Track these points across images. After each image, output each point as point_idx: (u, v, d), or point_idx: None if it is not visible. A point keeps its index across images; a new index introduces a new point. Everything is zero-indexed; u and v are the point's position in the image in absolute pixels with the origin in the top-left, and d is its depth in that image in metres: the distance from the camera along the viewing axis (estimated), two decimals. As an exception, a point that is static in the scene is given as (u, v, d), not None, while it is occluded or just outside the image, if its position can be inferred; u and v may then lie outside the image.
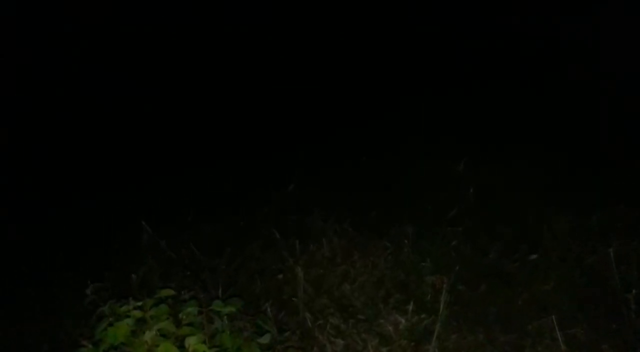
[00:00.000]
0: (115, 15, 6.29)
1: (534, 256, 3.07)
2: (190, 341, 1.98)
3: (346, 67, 6.06)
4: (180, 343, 2.07)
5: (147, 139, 5.05)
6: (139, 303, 2.09)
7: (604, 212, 3.36)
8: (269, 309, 2.73)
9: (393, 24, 6.65)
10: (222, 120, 5.34)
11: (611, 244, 2.96)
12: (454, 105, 5.11)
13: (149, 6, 6.29)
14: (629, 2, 5.55)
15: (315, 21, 6.62)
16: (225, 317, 2.25)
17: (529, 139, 4.47)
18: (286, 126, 5.13)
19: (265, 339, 2.20)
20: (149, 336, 1.97)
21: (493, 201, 3.68)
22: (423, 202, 3.74)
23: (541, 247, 3.16)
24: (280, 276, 3.19)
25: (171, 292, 2.26)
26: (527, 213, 3.54)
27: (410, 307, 2.81)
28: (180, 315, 2.21)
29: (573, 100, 5.01)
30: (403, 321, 2.79)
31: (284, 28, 6.57)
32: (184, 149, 4.84)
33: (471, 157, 4.07)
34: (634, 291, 2.51)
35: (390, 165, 4.34)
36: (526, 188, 3.82)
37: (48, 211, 4.07)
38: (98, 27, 6.16)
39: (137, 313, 2.05)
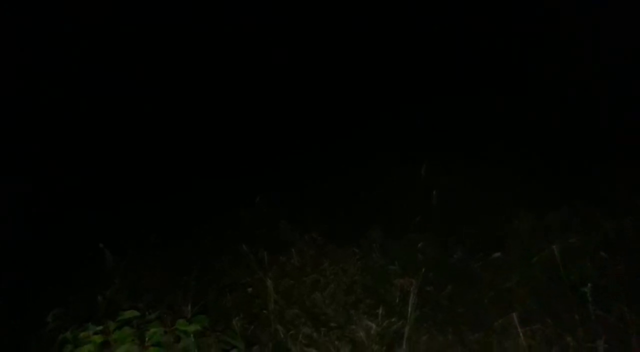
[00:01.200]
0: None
1: (497, 255, 3.14)
2: (156, 362, 1.96)
3: (311, 84, 6.09)
4: (147, 365, 2.04)
5: (112, 160, 4.97)
6: (99, 327, 2.05)
7: (562, 209, 3.46)
8: (236, 324, 2.71)
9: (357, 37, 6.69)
10: (187, 139, 5.30)
11: (569, 240, 3.06)
12: (413, 113, 5.20)
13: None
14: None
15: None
16: (192, 335, 2.23)
17: (489, 141, 4.59)
18: (250, 142, 5.13)
19: (233, 354, 2.19)
20: (112, 359, 1.94)
21: (456, 203, 3.76)
22: (388, 208, 3.80)
23: (503, 246, 3.24)
24: (250, 289, 3.18)
25: (135, 313, 2.23)
26: (489, 213, 3.64)
27: (380, 311, 2.84)
28: (146, 336, 2.18)
29: (533, 100, 5.17)
30: (374, 325, 2.81)
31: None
32: (147, 168, 4.78)
33: (432, 162, 4.15)
34: (589, 284, 2.60)
35: (354, 176, 4.40)
36: (487, 189, 3.92)
37: (12, 234, 3.95)
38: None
39: (98, 338, 2.01)
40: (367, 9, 6.56)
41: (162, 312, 2.48)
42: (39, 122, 5.40)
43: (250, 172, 4.63)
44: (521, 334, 2.45)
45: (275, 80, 6.19)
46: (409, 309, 2.72)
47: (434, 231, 3.45)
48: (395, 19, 6.62)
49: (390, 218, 3.66)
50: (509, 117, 4.92)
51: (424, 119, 5.05)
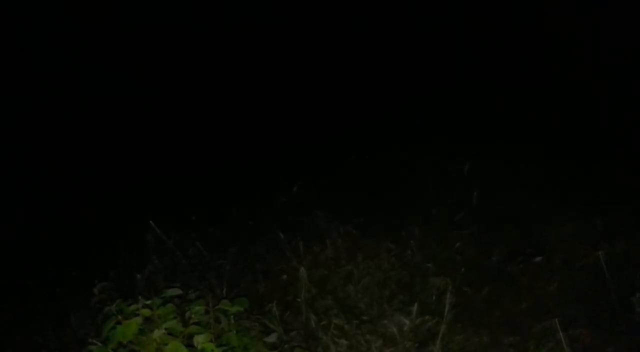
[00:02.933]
0: (116, 16, 6.32)
1: (538, 259, 3.07)
2: (199, 339, 1.99)
3: (352, 70, 6.08)
4: (187, 342, 2.08)
5: (153, 140, 5.07)
6: (148, 302, 2.10)
7: (608, 214, 3.36)
8: (276, 309, 2.73)
9: (396, 23, 6.67)
10: (228, 121, 5.36)
11: (616, 246, 2.97)
12: (459, 106, 5.12)
13: (149, 6, 6.31)
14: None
15: (321, 23, 6.64)
16: (232, 316, 2.26)
17: (534, 141, 4.48)
18: (291, 128, 5.15)
19: (272, 338, 2.20)
20: (157, 334, 1.98)
21: (497, 203, 3.69)
22: (427, 204, 3.75)
23: (545, 249, 3.17)
24: (285, 277, 3.20)
25: (178, 291, 2.26)
26: (531, 215, 3.55)
27: (415, 308, 2.82)
28: (187, 314, 2.22)
29: (578, 101, 5.02)
30: (407, 322, 2.79)
31: (288, 31, 6.59)
32: (189, 150, 4.86)
33: (476, 158, 4.08)
34: (637, 294, 2.52)
35: (393, 168, 4.35)
36: (530, 190, 3.84)
37: (54, 211, 4.09)
38: (98, 27, 6.18)
39: (146, 312, 2.05)
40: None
41: (202, 292, 2.52)
42: (77, 106, 5.53)
43: (289, 159, 4.65)
44: (563, 340, 2.39)
45: (313, 64, 6.21)
46: (446, 308, 2.69)
47: (473, 231, 3.40)
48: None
49: (428, 215, 3.62)
50: (557, 119, 4.79)
51: (471, 112, 4.97)
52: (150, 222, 3.25)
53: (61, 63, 6.01)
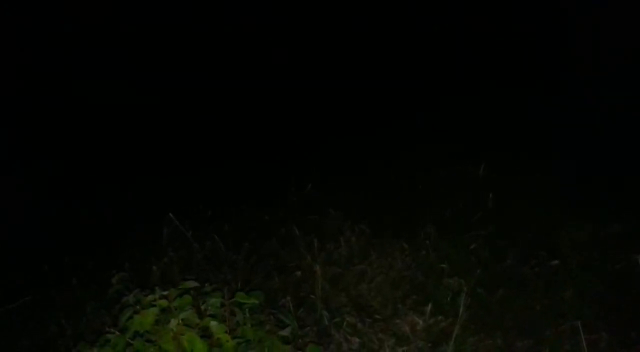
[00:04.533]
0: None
1: (554, 262, 3.05)
2: (215, 331, 2.01)
3: (369, 71, 6.09)
4: (202, 333, 2.10)
5: (172, 137, 5.11)
6: (165, 293, 2.12)
7: (624, 219, 3.33)
8: (290, 304, 2.74)
9: (408, 26, 6.67)
10: (245, 120, 5.39)
11: (633, 253, 2.93)
12: (475, 109, 5.10)
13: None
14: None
15: (339, 21, 6.66)
16: (247, 310, 2.28)
17: (548, 146, 4.45)
18: (306, 127, 5.16)
19: (286, 332, 2.21)
20: (174, 324, 2.00)
21: (512, 207, 3.67)
22: (441, 205, 3.74)
23: (561, 253, 3.14)
24: (298, 273, 3.20)
25: (194, 284, 2.28)
26: (546, 220, 3.53)
27: (429, 308, 2.81)
28: (202, 306, 2.24)
29: (594, 107, 4.98)
30: (420, 321, 2.79)
31: (304, 29, 6.62)
32: (206, 147, 4.90)
33: (491, 161, 4.06)
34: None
35: (408, 169, 4.35)
36: (545, 194, 3.81)
37: (72, 202, 4.14)
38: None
39: (163, 302, 2.07)
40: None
41: (217, 286, 2.53)
42: (95, 99, 5.58)
43: (304, 157, 4.66)
44: (584, 344, 2.37)
45: (328, 65, 6.23)
46: (460, 309, 2.68)
47: (488, 233, 3.38)
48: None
49: (442, 217, 3.61)
50: (572, 125, 4.75)
51: (488, 116, 4.95)
52: (170, 214, 3.28)
53: (74, 57, 6.08)
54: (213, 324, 2.07)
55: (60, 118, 5.36)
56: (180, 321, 2.06)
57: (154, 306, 2.08)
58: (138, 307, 2.07)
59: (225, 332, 2.07)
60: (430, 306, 2.82)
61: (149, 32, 6.26)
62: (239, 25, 6.70)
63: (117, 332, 2.03)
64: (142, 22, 6.32)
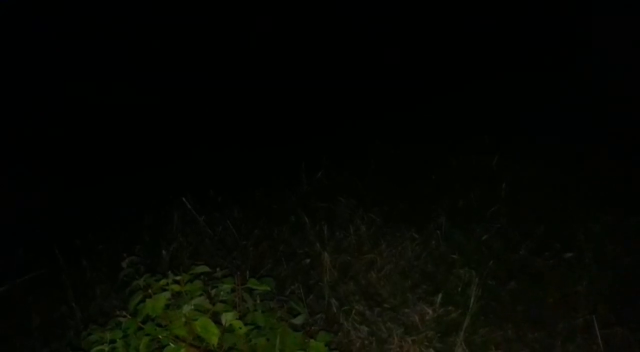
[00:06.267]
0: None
1: (569, 255, 3.00)
2: (227, 317, 1.99)
3: (380, 59, 6.01)
4: (213, 319, 2.09)
5: (184, 123, 5.10)
6: (177, 277, 2.10)
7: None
8: (301, 291, 2.73)
9: (434, 17, 6.57)
10: (256, 108, 5.36)
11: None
12: (490, 100, 5.02)
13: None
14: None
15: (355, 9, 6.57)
16: (257, 296, 2.26)
17: (564, 137, 4.37)
18: (320, 114, 5.11)
19: (298, 320, 2.20)
20: (186, 309, 1.99)
21: (526, 198, 3.61)
22: (454, 196, 3.69)
23: (575, 246, 3.09)
24: (308, 261, 3.19)
25: (205, 268, 2.26)
26: (560, 212, 3.47)
27: (439, 298, 2.79)
28: (213, 292, 2.23)
29: (610, 99, 4.88)
30: (430, 311, 2.77)
31: (323, 18, 6.54)
32: (217, 134, 4.88)
33: (505, 152, 4.00)
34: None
35: (420, 158, 4.30)
36: (560, 186, 3.74)
37: (82, 185, 4.15)
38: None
39: (175, 287, 2.06)
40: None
41: (227, 271, 2.52)
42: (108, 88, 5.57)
43: (314, 145, 4.62)
44: (599, 339, 2.34)
45: (339, 53, 6.15)
46: (472, 300, 2.66)
47: (501, 225, 3.34)
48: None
49: (454, 207, 3.57)
50: (587, 117, 4.67)
51: (502, 107, 4.87)
52: (183, 199, 3.27)
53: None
54: (226, 310, 2.06)
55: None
56: (192, 306, 2.04)
57: (166, 290, 2.06)
58: (149, 291, 2.05)
59: (237, 318, 2.05)
60: (440, 296, 2.80)
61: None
62: (248, 24, 6.64)
63: (128, 316, 2.02)
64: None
